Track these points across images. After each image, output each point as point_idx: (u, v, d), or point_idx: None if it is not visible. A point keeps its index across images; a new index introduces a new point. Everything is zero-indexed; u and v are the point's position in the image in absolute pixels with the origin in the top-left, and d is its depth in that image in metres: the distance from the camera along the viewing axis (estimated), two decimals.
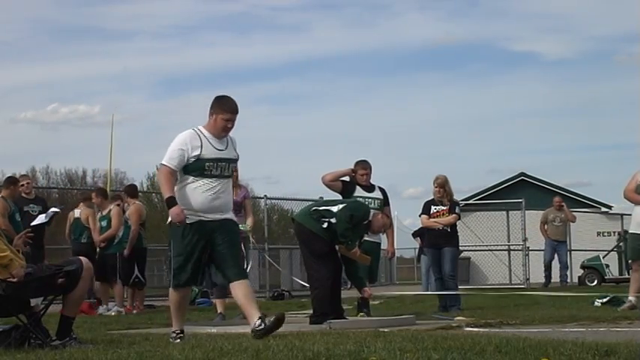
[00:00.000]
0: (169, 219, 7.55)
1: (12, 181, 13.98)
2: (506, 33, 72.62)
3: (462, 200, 19.51)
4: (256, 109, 76.70)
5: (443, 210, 12.61)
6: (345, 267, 10.12)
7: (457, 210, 12.73)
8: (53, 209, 14.42)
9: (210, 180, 7.56)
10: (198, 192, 7.53)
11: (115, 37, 74.02)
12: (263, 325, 7.23)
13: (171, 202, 7.52)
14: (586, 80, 70.96)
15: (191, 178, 7.56)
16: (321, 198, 18.90)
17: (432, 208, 12.70)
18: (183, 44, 74.91)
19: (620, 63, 64.06)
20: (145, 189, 47.79)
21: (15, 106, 77.00)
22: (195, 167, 7.56)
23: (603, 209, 33.80)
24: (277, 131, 73.99)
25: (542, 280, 22.09)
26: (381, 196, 11.15)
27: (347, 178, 11.08)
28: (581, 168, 75.25)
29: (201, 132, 7.68)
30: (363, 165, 11.13)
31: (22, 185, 14.18)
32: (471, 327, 8.94)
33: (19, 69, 72.64)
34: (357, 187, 11.00)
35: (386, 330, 7.76)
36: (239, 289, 7.57)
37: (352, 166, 11.15)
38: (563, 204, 22.27)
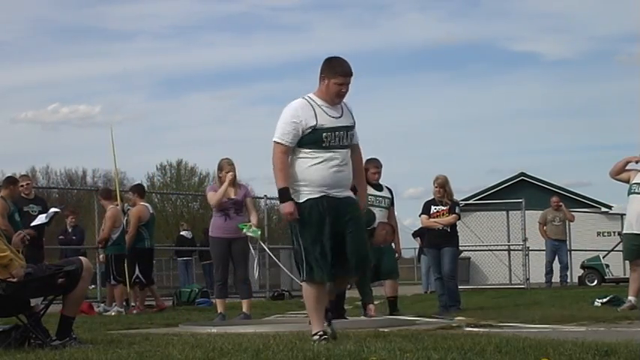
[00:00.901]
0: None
1: (11, 181, 13.98)
2: (506, 33, 72.85)
3: (461, 200, 19.51)
4: (257, 109, 76.90)
5: (443, 210, 12.61)
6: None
7: (457, 210, 12.72)
8: (53, 209, 14.43)
9: (329, 152, 6.75)
10: (319, 166, 6.73)
11: (115, 38, 74.33)
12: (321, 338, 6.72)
13: (285, 195, 6.75)
14: (586, 80, 71.13)
15: (308, 152, 6.76)
16: None
17: (432, 208, 12.69)
18: (183, 44, 75.17)
19: (620, 63, 64.18)
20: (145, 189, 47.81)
21: (16, 106, 77.22)
22: (312, 139, 6.74)
23: (603, 209, 33.88)
24: None
25: (543, 280, 22.11)
26: (389, 196, 11.20)
27: None
28: (581, 168, 75.45)
29: (312, 100, 6.85)
30: (375, 163, 11.16)
31: (22, 186, 14.18)
32: (471, 327, 8.94)
33: (20, 69, 72.94)
34: (368, 186, 11.02)
35: (386, 330, 7.76)
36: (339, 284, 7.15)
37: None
38: (560, 204, 22.31)
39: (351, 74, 6.89)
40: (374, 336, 6.82)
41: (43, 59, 74.27)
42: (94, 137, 73.10)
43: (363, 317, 10.73)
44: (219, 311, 11.59)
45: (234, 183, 11.58)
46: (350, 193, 6.94)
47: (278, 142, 6.81)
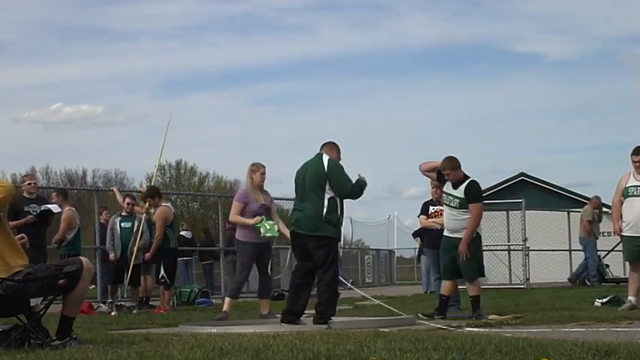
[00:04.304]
0: None
1: None
2: (509, 34, 72.82)
3: None
4: (260, 109, 76.99)
5: (441, 210, 12.58)
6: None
7: None
8: (54, 206, 14.50)
9: None
10: None
11: (118, 38, 74.35)
12: None
13: None
14: (588, 81, 71.17)
15: None
16: None
17: (431, 208, 12.69)
18: (187, 45, 75.21)
19: (622, 63, 64.14)
20: (145, 189, 47.73)
21: (18, 106, 77.21)
22: None
23: (603, 209, 33.84)
24: (281, 131, 74.28)
25: (542, 279, 22.14)
26: (461, 195, 10.90)
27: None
28: (581, 168, 75.44)
29: None
30: (444, 164, 10.92)
31: (30, 185, 14.17)
32: (471, 327, 8.94)
33: (23, 69, 72.98)
34: (447, 182, 10.98)
35: (386, 330, 7.76)
36: None
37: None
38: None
39: None
40: (374, 336, 6.82)
41: (47, 59, 74.43)
42: (97, 137, 73.26)
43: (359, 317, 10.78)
44: (226, 309, 11.59)
45: (261, 189, 11.70)
46: None
47: None
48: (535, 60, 70.86)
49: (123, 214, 15.12)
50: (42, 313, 7.00)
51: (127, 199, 15.22)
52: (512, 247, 24.72)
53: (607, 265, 23.62)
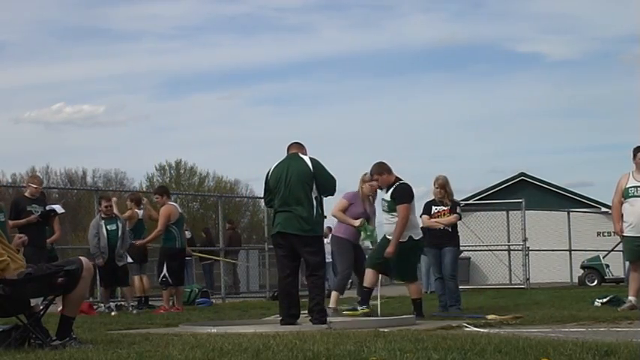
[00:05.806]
0: None
1: None
2: (510, 34, 72.62)
3: (462, 200, 19.51)
4: (260, 109, 76.92)
5: (444, 210, 12.62)
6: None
7: (458, 210, 12.73)
8: (57, 207, 14.51)
9: None
10: None
11: (120, 38, 74.25)
12: None
13: None
14: (589, 81, 71.06)
15: None
16: None
17: (433, 208, 12.69)
18: (187, 45, 75.12)
19: (623, 63, 64.08)
20: (144, 189, 47.79)
21: (20, 106, 77.16)
22: None
23: (603, 209, 33.88)
24: (281, 131, 74.08)
25: (542, 279, 22.14)
26: (388, 198, 11.09)
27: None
28: (581, 168, 75.35)
29: None
30: (373, 171, 11.32)
31: (36, 189, 14.14)
32: (471, 327, 8.94)
33: (24, 69, 72.87)
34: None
35: (386, 330, 7.76)
36: None
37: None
38: None
39: None
40: (374, 336, 6.82)
41: (47, 59, 74.30)
42: (97, 137, 73.25)
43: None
44: (334, 305, 11.58)
45: (369, 198, 11.97)
46: None
47: None
48: (536, 60, 70.74)
49: (103, 216, 14.88)
50: (42, 313, 7.01)
51: (104, 202, 15.01)
52: (512, 247, 24.74)
53: (607, 265, 23.62)
